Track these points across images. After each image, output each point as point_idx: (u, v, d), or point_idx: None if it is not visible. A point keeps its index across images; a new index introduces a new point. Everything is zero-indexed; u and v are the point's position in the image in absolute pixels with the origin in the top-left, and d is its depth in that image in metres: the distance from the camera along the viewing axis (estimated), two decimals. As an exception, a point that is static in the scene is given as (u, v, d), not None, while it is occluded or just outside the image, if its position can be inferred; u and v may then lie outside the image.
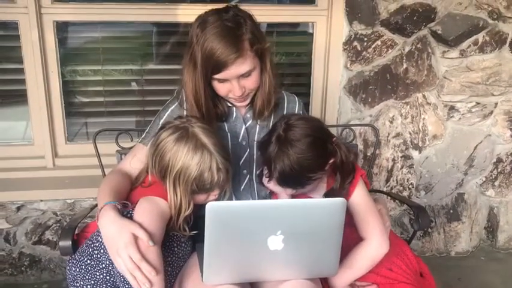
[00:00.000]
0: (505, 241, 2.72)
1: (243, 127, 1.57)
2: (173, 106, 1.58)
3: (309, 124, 1.41)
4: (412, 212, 2.44)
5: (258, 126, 1.58)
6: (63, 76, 2.24)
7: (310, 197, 1.50)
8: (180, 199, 1.33)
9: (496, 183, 2.62)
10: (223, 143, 1.40)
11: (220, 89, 1.47)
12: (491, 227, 2.71)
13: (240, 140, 1.56)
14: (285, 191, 1.44)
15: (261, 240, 1.18)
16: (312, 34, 2.34)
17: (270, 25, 2.34)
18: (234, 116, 1.57)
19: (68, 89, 2.28)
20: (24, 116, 2.26)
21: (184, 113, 1.54)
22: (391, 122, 2.41)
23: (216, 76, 1.42)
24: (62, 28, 2.20)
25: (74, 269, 1.36)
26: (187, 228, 1.37)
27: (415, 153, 2.49)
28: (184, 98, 1.55)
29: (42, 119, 2.23)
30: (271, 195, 1.58)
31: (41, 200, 2.23)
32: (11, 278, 2.31)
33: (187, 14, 2.16)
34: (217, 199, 1.42)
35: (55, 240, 2.29)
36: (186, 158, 1.32)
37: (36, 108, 2.22)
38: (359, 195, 1.47)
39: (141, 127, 1.90)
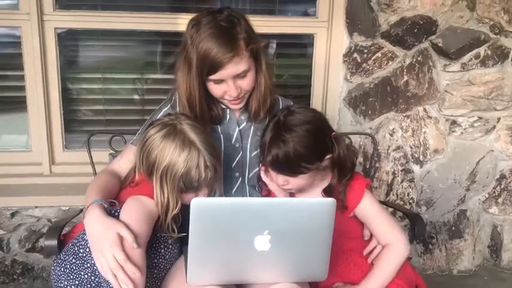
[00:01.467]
0: (509, 260, 2.64)
1: (237, 129, 1.55)
2: (166, 108, 1.57)
3: (311, 113, 1.41)
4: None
5: (252, 128, 1.56)
6: (63, 84, 2.24)
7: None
8: (167, 197, 1.30)
9: (500, 200, 2.56)
10: (212, 141, 1.38)
11: (216, 90, 1.46)
12: (495, 246, 2.65)
13: (233, 142, 1.55)
14: (277, 179, 1.40)
15: (247, 239, 1.15)
16: (312, 50, 2.35)
17: (271, 37, 2.34)
18: (228, 118, 1.56)
19: (68, 97, 2.29)
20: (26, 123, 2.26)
21: (177, 115, 1.53)
22: (391, 135, 2.38)
23: (212, 77, 1.41)
24: (63, 35, 2.21)
25: (58, 268, 1.33)
26: (175, 229, 1.34)
27: (415, 168, 2.45)
28: (177, 101, 1.54)
29: (40, 126, 2.23)
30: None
31: (36, 207, 2.22)
32: (2, 286, 2.28)
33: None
34: (206, 199, 1.39)
35: (49, 248, 2.26)
36: (173, 155, 1.30)
37: (35, 115, 2.22)
38: (369, 203, 1.46)
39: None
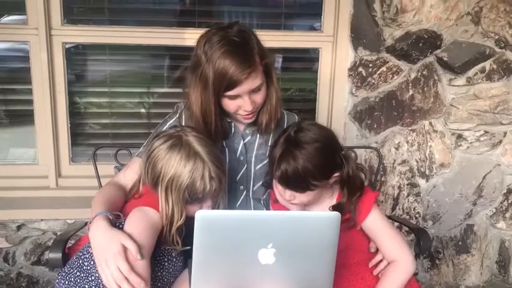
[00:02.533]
0: (517, 276, 2.62)
1: (241, 143, 1.56)
2: (171, 121, 1.58)
3: (321, 131, 1.41)
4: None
5: (256, 142, 1.57)
6: (71, 97, 2.26)
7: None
8: (172, 208, 1.31)
9: (507, 215, 2.54)
10: (217, 153, 1.38)
11: (231, 105, 1.45)
12: (503, 261, 2.61)
13: (237, 155, 1.55)
14: (284, 194, 1.40)
15: (251, 252, 1.15)
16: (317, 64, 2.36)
17: (277, 52, 2.36)
18: (233, 131, 1.56)
19: (75, 111, 2.30)
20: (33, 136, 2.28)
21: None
22: (397, 149, 2.37)
23: (229, 93, 1.41)
24: (71, 50, 2.24)
25: (62, 281, 1.33)
26: (179, 241, 1.34)
27: (422, 182, 2.44)
28: (183, 115, 1.55)
29: (47, 139, 2.24)
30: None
31: (42, 220, 2.22)
32: (8, 299, 2.29)
33: (195, 38, 2.18)
34: (210, 212, 1.39)
35: (54, 261, 2.26)
36: (178, 166, 1.30)
37: (42, 129, 2.24)
38: (376, 217, 1.45)
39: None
